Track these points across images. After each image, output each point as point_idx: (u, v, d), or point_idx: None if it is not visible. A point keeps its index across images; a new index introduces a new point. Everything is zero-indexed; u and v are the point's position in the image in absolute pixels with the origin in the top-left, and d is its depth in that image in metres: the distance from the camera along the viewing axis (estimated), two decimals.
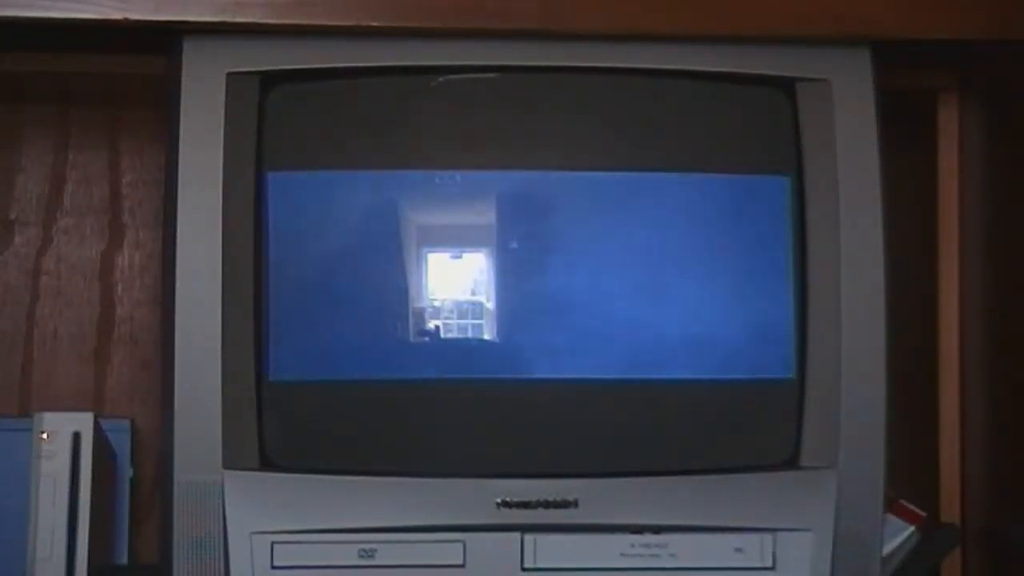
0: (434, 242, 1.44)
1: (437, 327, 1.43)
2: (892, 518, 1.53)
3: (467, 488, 1.40)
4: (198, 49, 1.40)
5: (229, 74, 1.40)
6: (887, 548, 1.51)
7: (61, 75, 1.58)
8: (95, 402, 1.69)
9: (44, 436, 1.40)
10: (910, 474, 1.58)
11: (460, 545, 1.40)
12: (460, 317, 1.43)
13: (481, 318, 1.43)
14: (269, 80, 1.41)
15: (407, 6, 1.39)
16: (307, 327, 1.42)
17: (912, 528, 1.55)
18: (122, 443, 1.63)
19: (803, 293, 1.45)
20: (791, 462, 1.44)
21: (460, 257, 1.45)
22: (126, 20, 1.37)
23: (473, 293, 1.44)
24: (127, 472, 1.64)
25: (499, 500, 1.40)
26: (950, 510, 1.60)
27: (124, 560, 1.63)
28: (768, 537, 1.43)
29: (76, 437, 1.40)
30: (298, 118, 1.43)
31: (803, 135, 1.45)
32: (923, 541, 1.56)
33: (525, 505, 1.40)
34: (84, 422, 1.41)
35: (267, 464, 1.40)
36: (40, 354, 1.71)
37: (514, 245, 1.44)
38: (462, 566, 1.40)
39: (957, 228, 1.61)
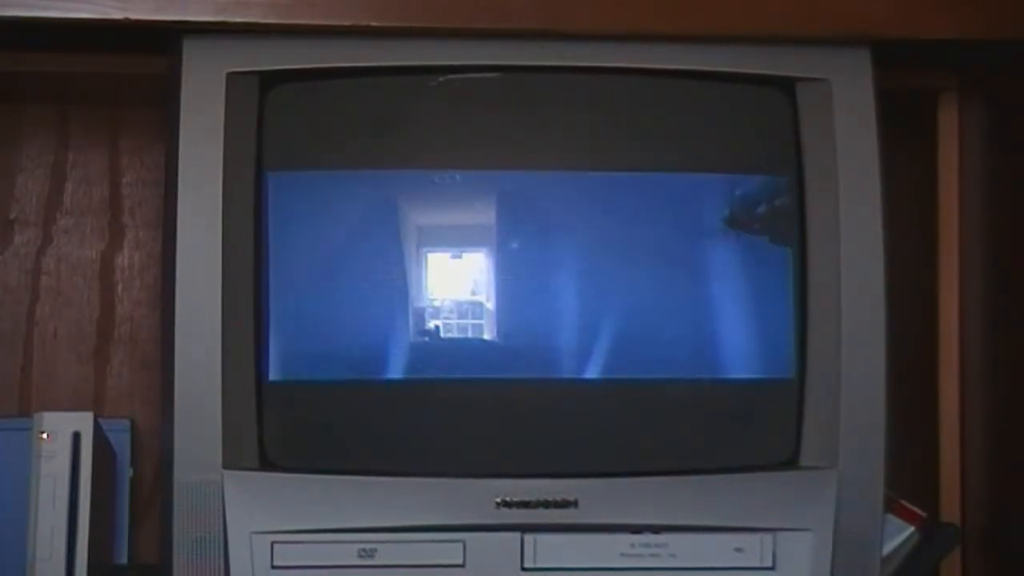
0: (434, 242, 1.44)
1: (437, 327, 1.43)
2: (892, 518, 1.53)
3: (467, 488, 1.40)
4: (198, 49, 1.40)
5: (229, 74, 1.40)
6: (887, 548, 1.51)
7: (61, 75, 1.58)
8: (95, 402, 1.70)
9: (44, 436, 1.40)
10: (910, 474, 1.58)
11: (460, 545, 1.40)
12: (460, 317, 1.43)
13: (481, 318, 1.43)
14: (269, 80, 1.41)
15: (407, 6, 1.39)
16: (307, 327, 1.42)
17: (912, 528, 1.55)
18: (122, 443, 1.63)
19: (803, 293, 1.45)
20: (791, 462, 1.45)
21: (460, 257, 1.45)
22: (126, 20, 1.37)
23: (473, 293, 1.44)
24: (127, 472, 1.64)
25: (499, 500, 1.40)
26: (950, 510, 1.60)
27: (124, 560, 1.63)
28: (768, 537, 1.43)
29: (76, 437, 1.40)
30: (298, 118, 1.43)
31: (803, 135, 1.45)
32: (923, 541, 1.56)
33: (525, 505, 1.40)
34: (84, 422, 1.41)
35: (267, 464, 1.40)
36: (40, 354, 1.71)
37: (514, 245, 1.44)
38: (462, 566, 1.40)
39: (957, 228, 1.61)
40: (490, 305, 1.43)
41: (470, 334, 1.43)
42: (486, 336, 1.43)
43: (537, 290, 1.44)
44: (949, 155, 1.61)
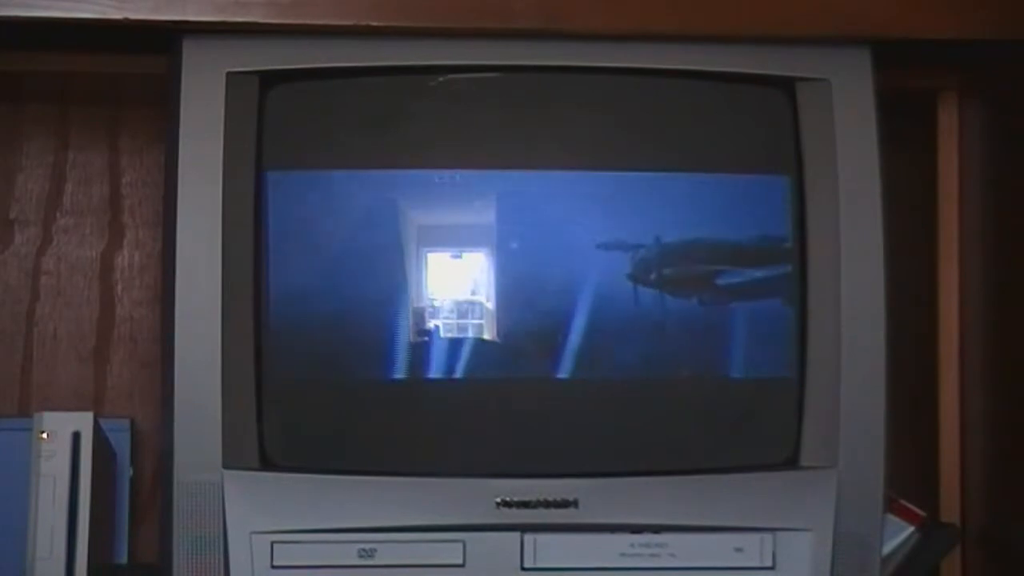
0: (434, 242, 1.44)
1: (437, 327, 1.43)
2: (892, 518, 1.53)
3: (467, 488, 1.40)
4: (198, 49, 1.40)
5: (229, 74, 1.40)
6: (887, 548, 1.51)
7: (61, 75, 1.58)
8: (95, 402, 1.69)
9: (44, 436, 1.40)
10: (910, 474, 1.58)
11: (460, 545, 1.40)
12: (460, 317, 1.43)
13: (481, 318, 1.43)
14: (269, 80, 1.41)
15: (407, 6, 1.39)
16: (307, 327, 1.42)
17: (912, 528, 1.55)
18: (122, 443, 1.63)
19: (803, 293, 1.45)
20: (791, 462, 1.45)
21: (460, 257, 1.45)
22: (126, 20, 1.37)
23: (473, 293, 1.44)
24: (127, 472, 1.64)
25: (499, 500, 1.40)
26: (950, 510, 1.60)
27: (124, 560, 1.63)
28: (768, 537, 1.43)
29: (76, 437, 1.40)
30: (298, 118, 1.43)
31: (803, 135, 1.45)
32: (923, 541, 1.56)
33: (525, 505, 1.40)
34: (84, 422, 1.41)
35: (267, 464, 1.40)
36: (40, 354, 1.71)
37: (514, 245, 1.44)
38: (462, 566, 1.40)
39: (957, 228, 1.61)
40: (490, 305, 1.43)
41: (470, 334, 1.43)
42: (486, 336, 1.43)
43: (537, 290, 1.44)
44: (949, 155, 1.61)
